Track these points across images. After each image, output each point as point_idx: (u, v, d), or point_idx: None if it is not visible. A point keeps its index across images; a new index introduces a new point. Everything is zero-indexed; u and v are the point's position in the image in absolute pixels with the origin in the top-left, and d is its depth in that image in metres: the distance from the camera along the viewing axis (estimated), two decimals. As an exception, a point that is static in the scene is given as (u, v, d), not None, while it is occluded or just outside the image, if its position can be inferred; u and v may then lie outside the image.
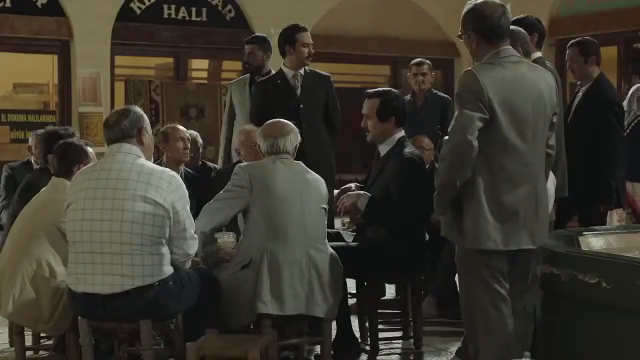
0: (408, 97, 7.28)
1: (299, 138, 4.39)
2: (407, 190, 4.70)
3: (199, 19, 11.40)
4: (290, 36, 6.28)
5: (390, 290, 6.07)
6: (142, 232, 3.70)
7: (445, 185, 3.68)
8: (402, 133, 4.96)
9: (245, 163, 4.34)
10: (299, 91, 6.26)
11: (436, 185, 3.72)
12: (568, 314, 3.80)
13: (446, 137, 4.49)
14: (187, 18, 11.30)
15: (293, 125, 4.40)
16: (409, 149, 4.93)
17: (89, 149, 4.54)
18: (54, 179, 4.48)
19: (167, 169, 3.88)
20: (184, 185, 3.86)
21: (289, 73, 6.31)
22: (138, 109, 3.95)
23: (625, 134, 7.14)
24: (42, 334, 4.74)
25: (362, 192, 4.78)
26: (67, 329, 4.21)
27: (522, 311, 3.77)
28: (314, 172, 4.37)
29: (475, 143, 3.58)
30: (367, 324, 5.00)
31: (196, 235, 3.93)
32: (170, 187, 3.77)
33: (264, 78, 6.53)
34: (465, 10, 3.81)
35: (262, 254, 4.07)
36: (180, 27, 11.18)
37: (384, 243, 4.70)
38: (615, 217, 7.52)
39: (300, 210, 4.16)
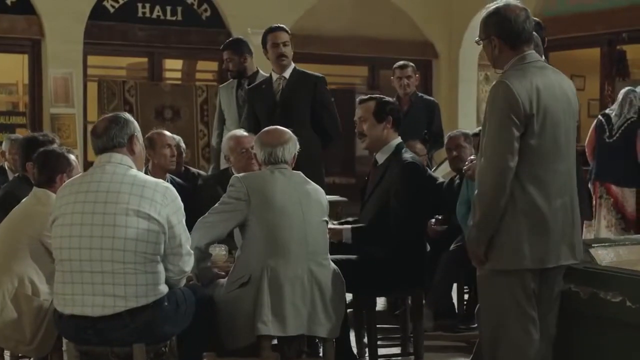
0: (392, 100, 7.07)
1: (298, 146, 4.14)
2: (409, 198, 4.50)
3: (174, 18, 11.13)
4: (263, 38, 6.07)
5: (379, 301, 5.87)
6: (136, 249, 3.42)
7: (488, 218, 3.37)
8: (399, 139, 4.75)
9: (242, 174, 4.05)
10: (278, 95, 6.01)
11: (476, 220, 3.41)
12: (587, 334, 3.62)
13: (472, 158, 4.25)
14: (162, 17, 11.02)
15: (291, 133, 4.15)
16: (409, 154, 4.73)
17: (72, 157, 4.26)
18: (35, 190, 4.18)
19: (161, 180, 3.60)
20: (179, 198, 3.59)
21: (274, 77, 6.08)
22: (128, 116, 3.67)
23: (614, 138, 7.02)
24: (23, 356, 4.43)
25: (342, 226, 4.57)
26: (50, 351, 3.93)
27: (545, 332, 3.53)
28: (313, 183, 4.12)
29: (514, 165, 3.34)
30: (364, 339, 4.77)
31: (192, 251, 3.66)
32: (165, 200, 3.50)
33: (254, 84, 6.29)
34: (486, 13, 3.57)
35: (262, 270, 3.81)
36: (155, 27, 10.90)
37: (384, 256, 4.47)
38: (604, 222, 7.39)
39: (301, 223, 3.91)
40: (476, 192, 3.44)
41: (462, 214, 5.58)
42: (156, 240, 3.46)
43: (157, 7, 10.96)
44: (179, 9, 11.11)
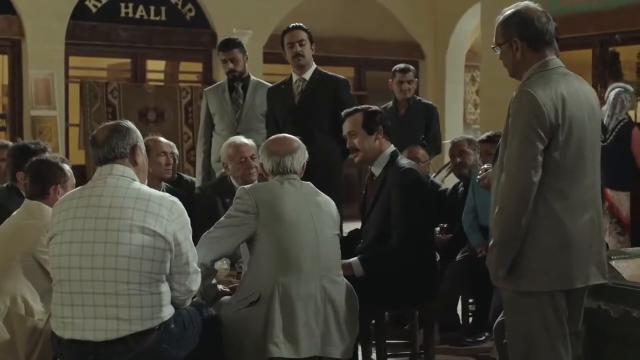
0: (390, 104, 6.88)
1: (307, 155, 3.92)
2: (410, 202, 4.28)
3: (157, 18, 10.92)
4: (281, 40, 5.83)
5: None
6: (141, 268, 3.18)
7: (510, 237, 3.13)
8: (392, 147, 4.53)
9: (249, 185, 3.81)
10: (297, 99, 5.78)
11: (496, 240, 3.17)
12: (618, 354, 3.43)
13: (486, 167, 4.06)
14: (146, 17, 10.81)
15: (300, 141, 3.93)
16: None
17: (66, 167, 4.00)
18: (27, 202, 3.92)
19: (166, 194, 3.35)
20: (186, 212, 3.35)
21: (294, 78, 5.85)
22: (130, 124, 3.43)
23: (608, 140, 6.86)
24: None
25: (351, 260, 4.24)
26: (45, 375, 3.68)
27: (573, 353, 3.31)
28: (323, 194, 3.90)
29: (537, 180, 3.13)
30: (372, 355, 4.56)
31: (199, 269, 3.43)
32: (171, 215, 3.26)
33: (274, 85, 6.04)
34: (505, 15, 3.35)
35: (273, 288, 3.57)
36: (138, 27, 10.70)
37: (392, 269, 4.26)
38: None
39: (313, 238, 3.68)
40: (496, 209, 3.21)
41: (468, 223, 5.39)
42: (162, 258, 3.22)
43: (141, 7, 10.75)
44: (163, 8, 10.91)
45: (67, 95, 10.33)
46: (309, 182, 3.87)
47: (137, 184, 3.31)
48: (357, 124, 4.46)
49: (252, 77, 6.30)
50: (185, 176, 6.08)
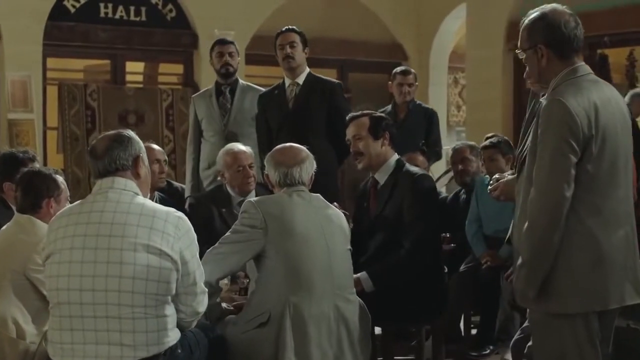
0: (388, 108, 6.69)
1: (315, 165, 3.71)
2: (425, 209, 4.13)
3: (137, 18, 10.61)
4: (274, 42, 5.63)
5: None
6: (146, 290, 2.95)
7: (541, 256, 2.93)
8: (396, 155, 4.38)
9: (256, 198, 3.58)
10: (291, 104, 5.57)
11: (525, 258, 2.97)
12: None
13: (497, 176, 3.92)
14: (125, 18, 10.50)
15: (308, 151, 3.72)
16: (414, 167, 4.36)
17: (59, 179, 3.75)
18: (18, 217, 3.67)
19: (171, 209, 3.12)
20: (193, 228, 3.13)
21: (286, 82, 5.63)
22: (132, 133, 3.19)
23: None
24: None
25: (359, 275, 4.03)
26: (39, 401, 3.44)
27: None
28: (333, 206, 3.69)
29: (570, 195, 2.93)
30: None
31: (206, 289, 3.20)
32: (178, 231, 3.03)
33: (267, 90, 5.83)
34: (531, 18, 3.16)
35: (284, 308, 3.36)
36: (118, 27, 10.38)
37: (401, 284, 4.07)
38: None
39: (325, 254, 3.47)
40: (525, 225, 3.01)
41: (472, 233, 5.21)
42: (168, 279, 3.00)
43: (120, 7, 10.44)
44: (143, 9, 10.61)
45: (44, 98, 10.01)
46: (318, 194, 3.67)
47: (141, 199, 3.09)
48: (364, 128, 4.29)
49: (241, 81, 6.09)
50: (175, 183, 5.87)
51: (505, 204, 5.04)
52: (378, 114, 4.41)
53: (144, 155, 3.18)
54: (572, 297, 2.96)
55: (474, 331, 5.49)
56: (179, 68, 11.38)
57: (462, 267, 5.24)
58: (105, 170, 3.09)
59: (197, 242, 3.14)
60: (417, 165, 5.45)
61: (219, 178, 4.93)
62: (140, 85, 11.29)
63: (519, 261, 3.02)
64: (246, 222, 3.47)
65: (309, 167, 3.65)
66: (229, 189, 4.84)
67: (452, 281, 5.12)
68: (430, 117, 6.49)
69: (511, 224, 4.28)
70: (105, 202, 3.04)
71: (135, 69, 11.38)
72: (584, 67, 3.12)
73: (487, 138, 6.95)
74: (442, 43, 13.09)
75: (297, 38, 5.56)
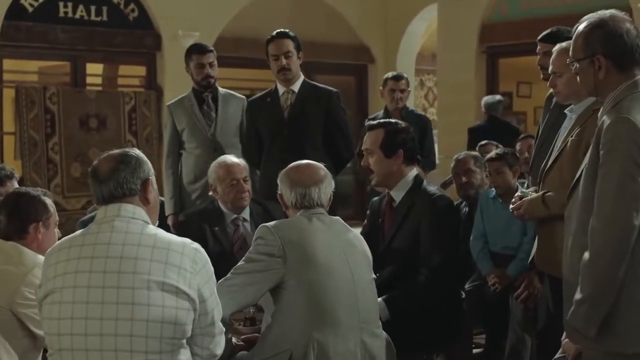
0: (380, 114, 6.39)
1: (333, 185, 3.37)
2: (443, 234, 3.84)
3: (98, 18, 10.20)
4: (265, 47, 5.27)
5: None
6: (162, 334, 2.57)
7: (605, 290, 2.64)
8: (415, 171, 4.05)
9: (272, 223, 3.20)
10: (286, 112, 5.22)
11: (586, 293, 2.67)
12: None
13: (520, 194, 3.61)
14: (86, 17, 10.09)
15: (326, 169, 3.37)
16: (432, 188, 4.03)
17: (48, 201, 3.35)
18: (2, 244, 3.26)
19: (186, 240, 2.74)
20: (209, 261, 2.76)
21: (280, 90, 5.28)
22: (139, 153, 2.81)
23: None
24: None
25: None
26: None
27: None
28: (353, 230, 3.36)
29: (638, 223, 2.64)
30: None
31: (224, 328, 2.84)
32: (195, 266, 2.67)
33: (256, 97, 5.47)
34: (588, 25, 2.86)
35: (307, 346, 3.00)
36: (78, 28, 9.95)
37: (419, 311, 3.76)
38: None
39: (349, 284, 3.13)
40: (585, 255, 2.71)
41: (478, 249, 4.91)
42: (185, 320, 2.63)
43: (81, 7, 10.03)
44: (104, 8, 10.21)
45: (1, 101, 9.55)
46: (338, 217, 3.33)
47: (152, 229, 2.71)
48: (376, 143, 3.97)
49: (220, 88, 5.71)
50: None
51: (513, 219, 4.77)
52: (397, 126, 4.03)
53: (153, 177, 2.81)
54: (636, 335, 2.68)
55: (476, 350, 5.20)
56: (141, 70, 10.98)
57: (467, 286, 4.94)
58: (111, 195, 2.71)
59: (215, 277, 2.78)
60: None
61: (210, 193, 4.56)
62: (102, 88, 10.85)
63: (578, 296, 2.72)
64: (262, 250, 3.11)
65: (328, 186, 3.31)
66: (221, 204, 4.48)
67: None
68: (424, 124, 6.20)
69: (534, 247, 4.01)
70: (111, 233, 2.65)
71: (96, 71, 10.94)
72: None
73: (481, 145, 6.70)
74: (410, 45, 12.86)
75: (291, 46, 5.23)
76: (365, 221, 4.35)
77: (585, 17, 2.90)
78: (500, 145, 7.13)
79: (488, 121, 8.80)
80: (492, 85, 10.94)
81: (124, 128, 10.39)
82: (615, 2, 9.29)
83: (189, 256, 2.67)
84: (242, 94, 5.76)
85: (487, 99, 9.06)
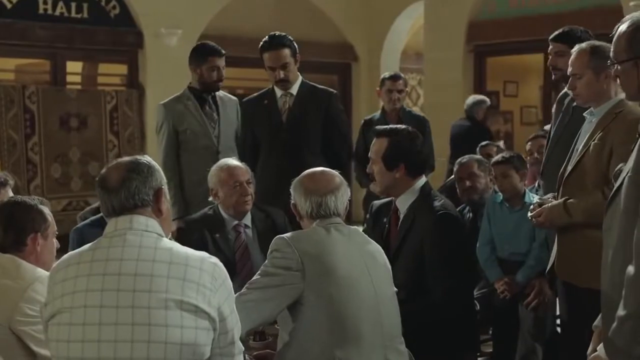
0: (377, 114, 6.22)
1: (349, 193, 3.19)
2: (452, 253, 3.63)
3: (79, 15, 9.97)
4: (260, 53, 5.08)
5: None
6: (181, 356, 2.38)
7: None
8: (423, 181, 3.84)
9: (289, 234, 3.01)
10: (285, 116, 5.04)
11: (632, 310, 2.50)
12: None
13: (538, 201, 3.44)
14: (66, 14, 9.85)
15: (341, 177, 3.19)
16: (439, 201, 3.79)
17: (45, 210, 3.15)
18: (-2, 257, 3.07)
19: (205, 254, 2.55)
20: (228, 276, 2.58)
21: (277, 92, 5.10)
22: (150, 160, 2.61)
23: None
24: None
25: None
26: None
27: None
28: (372, 241, 3.18)
29: None
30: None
31: (243, 347, 2.65)
32: (214, 282, 2.47)
33: (251, 97, 5.27)
34: (632, 25, 2.70)
35: (328, 365, 2.84)
36: (58, 25, 9.71)
37: (432, 323, 3.59)
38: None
39: (372, 298, 2.95)
40: (630, 269, 2.56)
41: (485, 257, 4.75)
42: (205, 341, 2.44)
43: (61, 4, 9.79)
44: (85, 5, 9.99)
45: (-21, 101, 9.27)
46: (356, 228, 3.15)
47: (167, 242, 2.52)
48: (378, 153, 3.77)
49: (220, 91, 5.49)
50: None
51: (521, 224, 4.66)
52: (402, 135, 3.81)
53: (165, 187, 2.61)
54: None
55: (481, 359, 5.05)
56: (122, 68, 10.77)
57: (475, 294, 4.77)
58: (122, 207, 2.51)
59: (233, 292, 2.59)
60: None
61: (210, 198, 4.36)
62: (82, 87, 10.60)
63: (621, 312, 2.56)
64: (279, 263, 2.92)
65: (344, 194, 3.13)
66: (222, 210, 4.29)
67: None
68: (422, 126, 6.01)
69: (552, 256, 3.85)
70: (123, 247, 2.46)
71: (76, 70, 10.69)
72: None
73: (482, 146, 6.55)
74: (394, 43, 12.72)
75: (288, 55, 5.03)
76: (365, 225, 4.17)
77: (627, 16, 2.75)
78: (499, 146, 7.03)
79: (466, 120, 8.70)
80: (479, 84, 10.82)
81: (105, 128, 10.16)
82: (606, 0, 9.22)
83: (208, 272, 2.48)
84: (224, 92, 5.55)
85: (468, 99, 8.95)
